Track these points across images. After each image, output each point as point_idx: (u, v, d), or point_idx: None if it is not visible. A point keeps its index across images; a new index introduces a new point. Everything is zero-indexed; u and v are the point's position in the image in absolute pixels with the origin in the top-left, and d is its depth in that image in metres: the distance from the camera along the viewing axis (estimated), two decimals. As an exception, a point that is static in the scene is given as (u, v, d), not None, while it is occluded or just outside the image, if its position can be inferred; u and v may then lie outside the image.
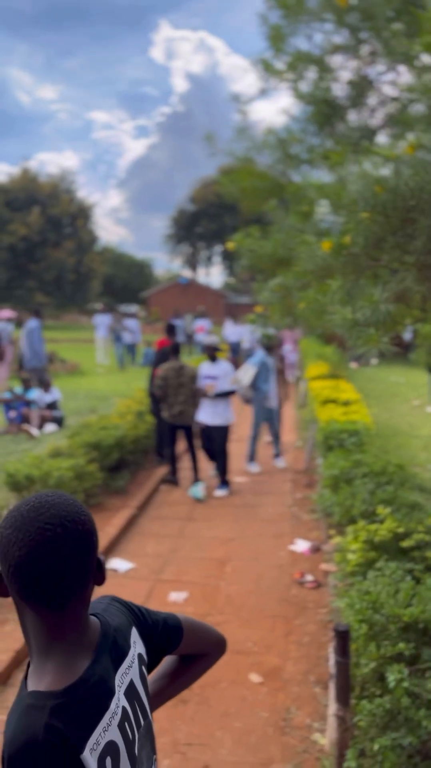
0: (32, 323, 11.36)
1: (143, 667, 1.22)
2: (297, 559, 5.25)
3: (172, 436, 7.25)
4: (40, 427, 9.49)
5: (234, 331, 19.27)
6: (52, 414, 9.78)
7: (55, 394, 10.21)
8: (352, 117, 4.24)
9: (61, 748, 0.96)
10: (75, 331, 35.62)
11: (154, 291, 59.60)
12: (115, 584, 4.73)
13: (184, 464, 7.88)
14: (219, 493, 6.99)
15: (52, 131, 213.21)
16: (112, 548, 5.41)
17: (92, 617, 1.15)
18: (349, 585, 3.84)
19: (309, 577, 4.84)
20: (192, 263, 61.54)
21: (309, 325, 4.25)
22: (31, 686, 1.04)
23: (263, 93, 4.31)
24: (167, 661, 1.44)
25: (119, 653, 1.14)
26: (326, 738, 2.93)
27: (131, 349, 19.85)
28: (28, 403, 9.77)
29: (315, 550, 5.42)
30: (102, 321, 19.32)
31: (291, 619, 4.25)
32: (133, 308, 36.29)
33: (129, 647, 1.18)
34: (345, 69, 4.06)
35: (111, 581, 4.80)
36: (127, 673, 1.14)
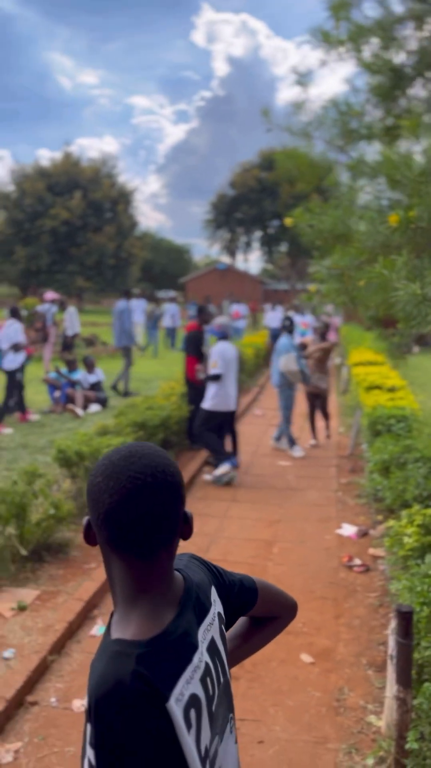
0: (122, 304, 11.51)
1: (222, 626, 1.22)
2: (344, 543, 5.19)
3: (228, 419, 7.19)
4: (84, 407, 9.59)
5: (274, 317, 19.13)
6: (96, 395, 9.88)
7: (98, 375, 10.30)
8: (417, 91, 4.10)
9: (148, 695, 0.95)
10: (114, 316, 35.84)
11: (191, 277, 59.67)
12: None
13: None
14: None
15: (92, 116, 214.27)
16: (158, 526, 5.43)
17: (175, 572, 1.15)
18: (404, 569, 3.78)
19: (357, 561, 4.79)
20: (230, 249, 61.22)
21: (366, 304, 4.15)
22: (116, 634, 1.03)
23: (323, 64, 4.20)
24: (239, 623, 1.45)
25: (201, 609, 1.14)
26: (383, 720, 2.89)
27: (171, 333, 19.90)
28: (73, 384, 9.88)
29: (363, 534, 5.35)
30: (137, 306, 19.37)
31: (341, 601, 4.20)
32: (171, 294, 36.34)
33: (210, 605, 1.18)
34: (410, 39, 3.92)
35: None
36: (209, 629, 1.14)
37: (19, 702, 3.10)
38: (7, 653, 3.40)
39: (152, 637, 1.01)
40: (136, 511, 1.01)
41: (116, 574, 1.07)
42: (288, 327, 8.30)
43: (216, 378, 6.67)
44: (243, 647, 1.44)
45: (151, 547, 1.04)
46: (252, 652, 1.47)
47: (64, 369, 10.29)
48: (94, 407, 9.74)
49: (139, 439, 6.24)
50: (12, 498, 4.27)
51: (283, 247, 56.80)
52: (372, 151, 4.68)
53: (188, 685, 1.02)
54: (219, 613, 1.21)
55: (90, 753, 0.97)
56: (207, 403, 6.81)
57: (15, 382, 8.74)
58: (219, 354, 6.74)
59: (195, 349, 7.57)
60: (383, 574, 4.58)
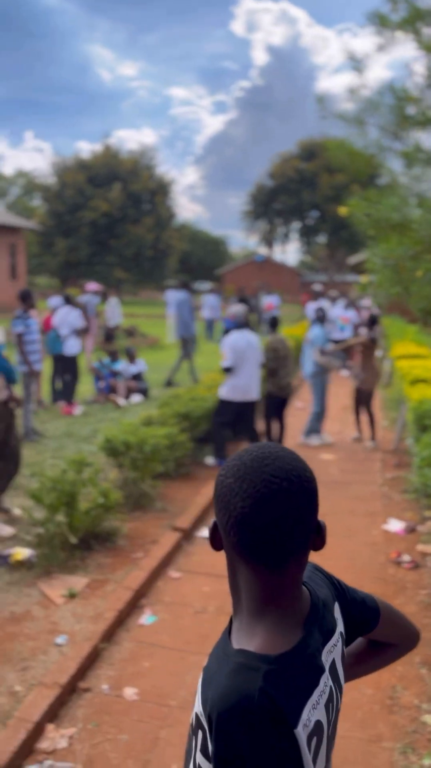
0: (182, 295, 11.61)
1: (344, 647, 1.14)
2: (391, 539, 5.11)
3: (278, 409, 7.15)
4: (127, 397, 9.66)
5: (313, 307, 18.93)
6: (138, 385, 9.93)
7: (140, 365, 10.36)
8: None
9: (275, 717, 0.90)
10: (153, 307, 36.08)
11: (229, 268, 59.50)
12: (208, 552, 4.75)
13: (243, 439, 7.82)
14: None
15: (131, 108, 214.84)
16: (202, 518, 5.44)
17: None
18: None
19: (406, 557, 4.70)
20: (268, 240, 60.83)
21: (421, 295, 4.05)
22: (239, 644, 0.98)
23: (380, 48, 4.09)
24: (356, 641, 1.36)
25: (328, 629, 1.07)
26: (440, 720, 2.83)
27: (209, 325, 19.87)
28: (115, 374, 9.95)
29: (411, 530, 5.25)
30: (174, 297, 19.35)
31: (390, 598, 4.13)
32: (207, 285, 36.29)
33: (336, 624, 1.11)
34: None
35: (205, 549, 4.83)
36: (332, 651, 1.06)
37: (72, 688, 3.13)
38: (60, 639, 3.45)
39: (281, 653, 0.95)
40: (270, 517, 0.94)
41: (242, 582, 1.01)
42: (321, 317, 8.00)
43: (228, 370, 6.49)
44: (355, 668, 1.35)
45: (282, 557, 0.97)
46: (362, 675, 1.38)
47: (106, 359, 10.38)
48: (136, 397, 9.80)
49: (183, 429, 6.24)
50: (62, 486, 4.31)
51: (322, 239, 56.16)
52: (426, 139, 4.55)
53: (314, 711, 0.97)
54: (341, 633, 1.13)
55: (203, 762, 0.94)
56: (221, 391, 6.72)
57: (74, 368, 8.94)
58: (230, 345, 6.51)
59: None
60: (434, 571, 4.49)
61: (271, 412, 7.22)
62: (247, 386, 6.61)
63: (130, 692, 3.15)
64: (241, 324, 6.74)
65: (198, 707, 0.97)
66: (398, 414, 8.19)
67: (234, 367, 6.47)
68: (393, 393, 10.31)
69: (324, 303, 13.94)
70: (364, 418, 8.32)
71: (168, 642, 3.60)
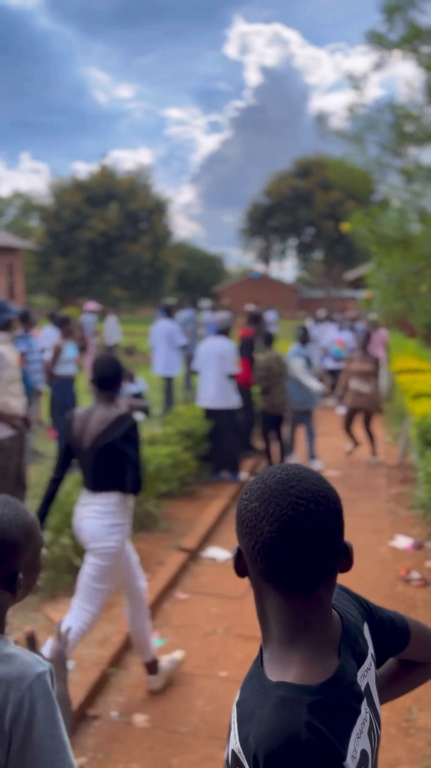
0: (187, 314, 11.69)
1: (376, 669, 1.10)
2: (399, 556, 5.06)
3: (275, 425, 7.14)
4: (128, 416, 9.62)
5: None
6: (139, 403, 9.90)
7: (140, 384, 10.33)
8: None
9: (324, 751, 0.86)
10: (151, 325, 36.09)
11: (226, 286, 59.71)
12: (215, 573, 4.70)
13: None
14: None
15: (127, 129, 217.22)
16: (208, 537, 5.39)
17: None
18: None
19: (415, 575, 4.65)
20: (265, 257, 61.22)
21: (424, 310, 4.05)
22: (274, 676, 0.94)
23: (378, 67, 4.14)
24: (387, 662, 1.32)
25: (360, 652, 1.03)
26: (458, 743, 2.77)
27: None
28: (116, 393, 9.92)
29: (419, 546, 5.20)
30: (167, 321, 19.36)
31: (401, 616, 4.07)
32: (206, 303, 36.39)
33: (368, 646, 1.07)
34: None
35: (212, 569, 4.77)
36: (365, 675, 1.02)
37: (81, 715, 3.07)
38: (67, 665, 3.38)
39: (323, 682, 0.91)
40: (299, 541, 0.91)
41: (271, 610, 0.98)
42: (302, 337, 7.59)
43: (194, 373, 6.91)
44: (388, 690, 1.30)
45: (313, 582, 0.94)
46: (395, 696, 1.33)
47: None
48: (137, 416, 9.75)
49: (186, 448, 6.20)
50: (66, 508, 4.27)
51: (318, 255, 56.53)
52: (425, 156, 4.59)
53: (359, 740, 0.93)
54: (372, 655, 1.09)
55: None
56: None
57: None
58: (199, 349, 6.95)
59: (248, 353, 7.61)
60: (443, 588, 4.44)
61: (266, 429, 7.21)
62: (201, 391, 6.89)
63: (140, 719, 3.09)
64: (221, 331, 6.93)
65: (235, 744, 0.92)
66: (401, 429, 8.16)
67: (198, 372, 6.98)
68: (395, 408, 10.29)
69: (308, 323, 13.16)
70: (361, 434, 8.26)
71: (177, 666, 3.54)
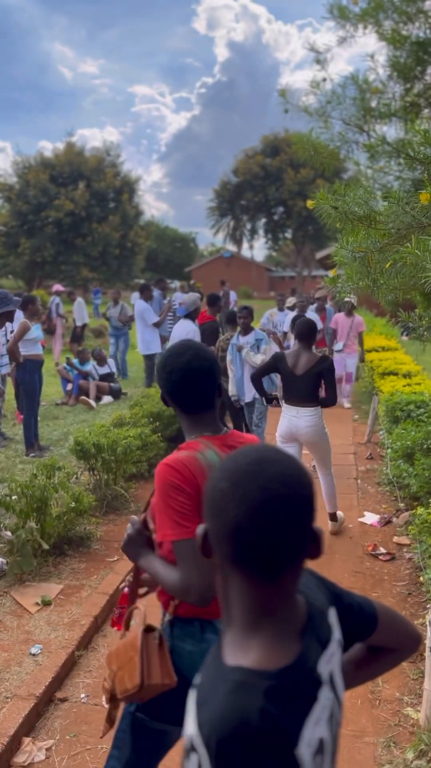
0: (155, 293, 11.22)
1: (341, 656, 1.09)
2: (367, 531, 5.13)
3: (240, 410, 6.72)
4: (97, 398, 9.54)
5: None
6: (110, 386, 9.82)
7: (110, 366, 10.24)
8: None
9: (276, 738, 0.84)
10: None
11: (197, 265, 59.35)
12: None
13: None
14: None
15: (93, 106, 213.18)
16: (178, 517, 5.38)
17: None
18: (434, 557, 3.71)
19: (382, 550, 4.72)
20: (235, 237, 60.95)
21: (388, 287, 4.06)
22: (233, 660, 0.92)
23: (342, 41, 4.08)
24: (354, 647, 1.30)
25: (324, 638, 1.02)
26: (422, 712, 2.83)
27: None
28: (85, 376, 9.82)
29: (386, 522, 5.28)
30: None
31: (368, 591, 4.14)
32: (176, 283, 36.13)
33: (332, 632, 1.06)
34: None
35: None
36: (330, 661, 1.01)
37: (48, 699, 3.06)
38: (34, 649, 3.36)
39: (280, 669, 0.90)
40: (266, 525, 0.90)
41: (235, 593, 0.96)
42: (229, 321, 6.94)
43: None
44: (355, 675, 1.29)
45: (278, 566, 0.92)
46: (362, 682, 1.33)
47: (75, 360, 10.24)
48: (107, 398, 9.68)
49: (155, 429, 6.17)
50: (32, 492, 4.21)
51: (288, 234, 56.47)
52: (390, 132, 4.57)
53: (316, 728, 0.91)
54: (338, 641, 1.08)
55: None
56: None
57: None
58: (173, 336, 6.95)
59: (213, 340, 7.39)
60: (410, 562, 4.51)
61: (233, 412, 6.82)
62: None
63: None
64: (189, 314, 6.82)
65: (192, 729, 0.90)
66: (369, 407, 8.24)
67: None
68: (363, 385, 10.38)
69: (271, 310, 11.33)
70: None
71: (146, 646, 3.54)
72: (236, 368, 6.38)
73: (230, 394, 6.46)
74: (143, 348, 9.47)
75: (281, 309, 11.21)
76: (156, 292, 11.13)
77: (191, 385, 1.75)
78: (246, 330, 6.35)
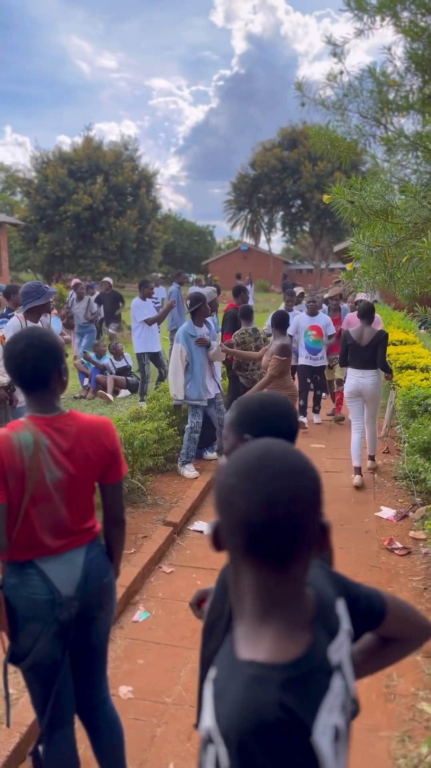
0: (172, 288, 11.16)
1: (350, 645, 1.11)
2: (383, 526, 5.12)
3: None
4: (114, 392, 9.60)
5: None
6: (127, 379, 9.87)
7: (127, 360, 10.29)
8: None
9: (294, 729, 0.86)
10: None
11: (214, 259, 59.24)
12: (201, 546, 4.73)
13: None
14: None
15: (110, 100, 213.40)
16: (194, 511, 5.42)
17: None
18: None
19: (398, 544, 4.71)
20: (252, 230, 60.72)
21: (405, 281, 4.03)
22: (245, 653, 0.94)
23: (359, 33, 4.04)
24: (365, 637, 1.33)
25: (333, 628, 1.04)
26: (436, 707, 2.83)
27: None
28: (102, 370, 9.89)
29: (402, 516, 5.26)
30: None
31: (384, 585, 4.13)
32: (192, 277, 36.07)
33: (340, 622, 1.08)
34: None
35: (197, 543, 4.81)
36: (339, 651, 1.03)
37: (66, 688, 3.10)
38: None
39: (293, 660, 0.92)
40: (275, 515, 0.92)
41: (246, 585, 0.98)
42: (193, 307, 6.26)
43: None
44: (366, 664, 1.32)
45: (288, 557, 0.95)
46: (373, 671, 1.35)
47: (92, 354, 10.30)
48: (124, 392, 9.74)
49: (171, 423, 6.20)
50: None
51: (306, 227, 56.11)
52: (408, 125, 4.53)
53: (330, 715, 0.93)
54: (348, 631, 1.10)
55: None
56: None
57: None
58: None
59: (231, 327, 7.52)
60: (426, 557, 4.50)
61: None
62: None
63: (124, 690, 3.13)
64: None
65: (210, 722, 0.92)
66: (386, 401, 8.20)
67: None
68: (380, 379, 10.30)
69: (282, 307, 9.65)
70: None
71: (162, 638, 3.58)
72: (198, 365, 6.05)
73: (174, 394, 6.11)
74: (136, 346, 8.76)
75: (290, 309, 9.17)
76: (174, 286, 11.13)
77: (23, 367, 1.97)
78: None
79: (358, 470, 6.17)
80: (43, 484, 1.94)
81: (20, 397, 4.85)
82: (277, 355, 5.62)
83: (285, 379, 5.74)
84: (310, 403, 8.68)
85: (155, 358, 8.75)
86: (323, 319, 8.43)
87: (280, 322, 5.92)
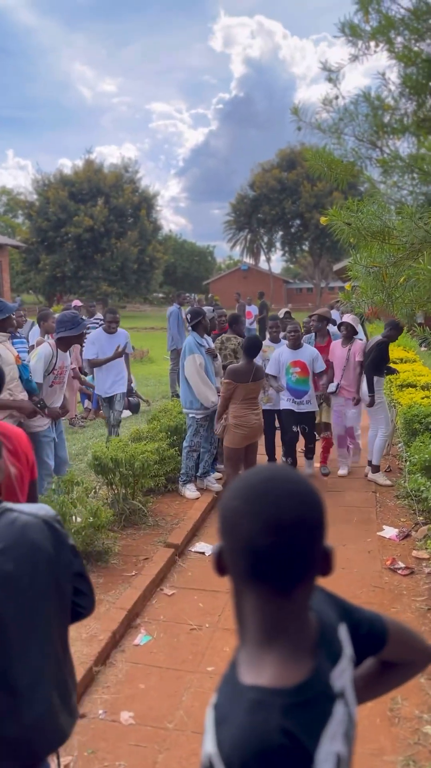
0: (172, 309, 11.29)
1: (353, 671, 1.11)
2: (386, 546, 5.09)
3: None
4: (116, 412, 9.59)
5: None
6: (128, 400, 9.88)
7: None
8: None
9: (296, 755, 0.86)
10: (139, 320, 36.06)
11: (214, 278, 59.56)
12: (202, 568, 4.70)
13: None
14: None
15: (111, 123, 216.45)
16: (196, 532, 5.40)
17: None
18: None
19: (401, 564, 4.68)
20: (252, 250, 61.11)
21: (403, 301, 4.06)
22: (248, 679, 0.94)
23: (354, 59, 4.11)
24: (367, 661, 1.31)
25: (335, 654, 1.04)
26: (441, 731, 2.80)
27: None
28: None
29: (405, 536, 5.23)
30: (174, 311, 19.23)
31: (387, 606, 4.10)
32: (193, 297, 36.22)
33: (343, 648, 1.07)
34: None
35: (199, 565, 4.78)
36: (341, 676, 1.02)
37: (67, 714, 3.07)
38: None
39: (295, 686, 0.92)
40: (279, 540, 0.92)
41: (249, 610, 0.98)
42: (193, 320, 6.22)
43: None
44: (367, 690, 1.30)
45: (290, 582, 0.94)
46: (375, 696, 1.33)
47: (90, 377, 10.32)
48: (125, 413, 9.74)
49: (172, 444, 6.20)
50: (51, 506, 4.25)
51: (305, 246, 56.48)
52: (403, 147, 4.59)
53: (333, 742, 0.93)
54: (349, 656, 1.10)
55: None
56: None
57: None
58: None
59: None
60: (429, 577, 4.47)
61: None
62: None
63: (126, 716, 3.09)
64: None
65: (211, 748, 0.91)
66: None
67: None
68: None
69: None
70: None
71: (164, 661, 3.55)
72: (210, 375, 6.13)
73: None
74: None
75: (275, 339, 7.34)
76: (175, 307, 11.19)
77: None
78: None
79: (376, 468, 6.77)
80: None
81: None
82: (225, 378, 5.56)
83: (245, 411, 5.53)
84: (300, 447, 6.97)
85: (113, 401, 7.10)
86: (308, 352, 6.65)
87: (248, 348, 5.49)
